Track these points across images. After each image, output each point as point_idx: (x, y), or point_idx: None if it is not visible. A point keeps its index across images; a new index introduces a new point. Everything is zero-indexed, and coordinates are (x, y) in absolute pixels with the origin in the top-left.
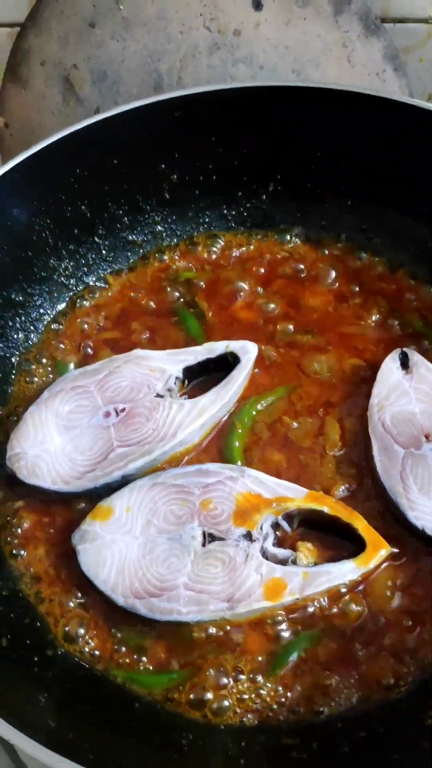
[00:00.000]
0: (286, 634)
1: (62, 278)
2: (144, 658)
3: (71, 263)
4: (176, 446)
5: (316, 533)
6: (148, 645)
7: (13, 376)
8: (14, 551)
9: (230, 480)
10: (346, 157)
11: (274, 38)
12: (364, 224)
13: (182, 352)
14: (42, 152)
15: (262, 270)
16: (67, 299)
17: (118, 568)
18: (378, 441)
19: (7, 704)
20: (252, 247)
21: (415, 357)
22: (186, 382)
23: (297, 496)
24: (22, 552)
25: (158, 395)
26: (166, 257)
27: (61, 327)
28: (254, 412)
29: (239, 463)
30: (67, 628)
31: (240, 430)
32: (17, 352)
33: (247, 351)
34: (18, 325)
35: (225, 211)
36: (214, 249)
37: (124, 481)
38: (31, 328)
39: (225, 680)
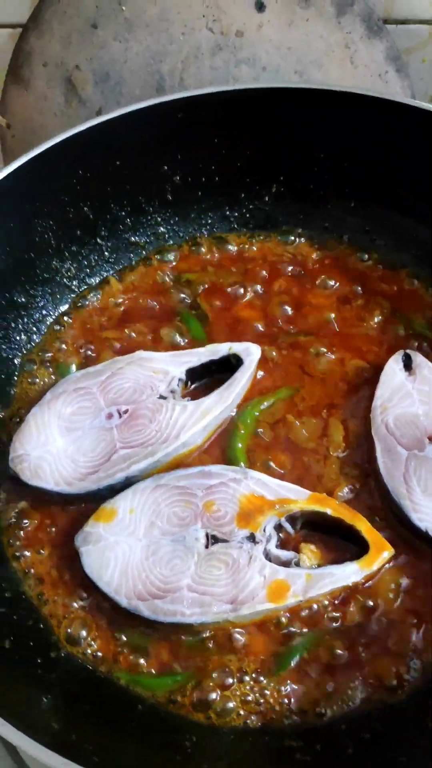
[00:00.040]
0: (289, 636)
1: (65, 279)
2: (147, 660)
3: (74, 265)
4: (179, 448)
5: (319, 535)
6: (152, 647)
7: (15, 378)
8: (17, 553)
9: (233, 482)
10: (348, 158)
11: (277, 39)
12: (366, 226)
13: (185, 354)
14: (44, 154)
15: (265, 271)
16: (70, 301)
17: (121, 569)
18: (381, 443)
19: (10, 706)
20: (254, 248)
21: (418, 359)
22: (189, 383)
23: (300, 497)
24: (25, 553)
25: (161, 397)
26: (168, 259)
27: (63, 328)
28: (257, 414)
29: (242, 464)
30: (70, 630)
31: (243, 432)
32: (20, 354)
33: (250, 353)
34: (20, 326)
35: (228, 213)
36: (217, 250)
37: (127, 483)
38: (34, 329)
39: (228, 682)
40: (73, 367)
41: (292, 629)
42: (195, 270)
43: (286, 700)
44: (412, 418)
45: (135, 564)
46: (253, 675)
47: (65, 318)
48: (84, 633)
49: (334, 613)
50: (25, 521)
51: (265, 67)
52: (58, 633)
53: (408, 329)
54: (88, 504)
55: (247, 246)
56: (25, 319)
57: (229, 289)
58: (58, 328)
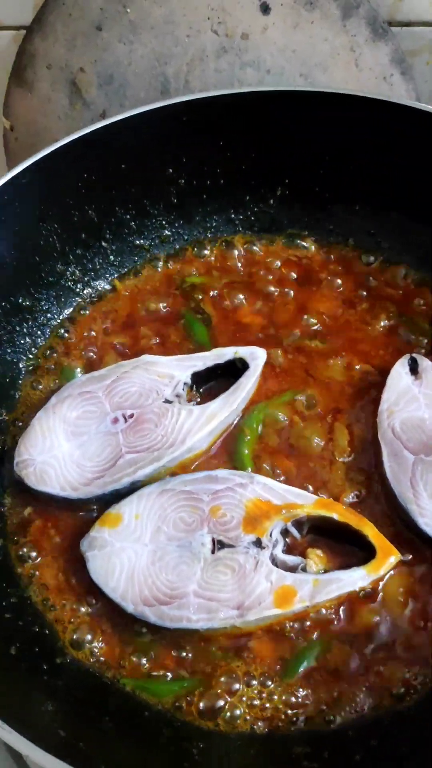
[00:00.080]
0: (296, 642)
1: (69, 283)
2: (153, 666)
3: (78, 268)
4: (185, 452)
5: (326, 540)
6: (158, 653)
7: (20, 381)
8: (22, 558)
9: (239, 486)
10: (353, 161)
11: (282, 42)
12: (372, 228)
13: (191, 358)
14: (49, 157)
15: (270, 275)
16: (74, 304)
17: (127, 575)
18: (388, 447)
19: (17, 713)
20: (259, 251)
21: (424, 362)
22: (194, 387)
23: (306, 502)
24: (31, 559)
25: (167, 401)
26: (173, 262)
27: (68, 332)
28: (263, 418)
29: (248, 469)
30: (75, 636)
31: (249, 437)
32: (24, 357)
33: (256, 357)
34: (25, 329)
35: (232, 216)
36: (222, 253)
37: (132, 488)
38: (38, 333)
39: (235, 688)
40: (78, 371)
41: (300, 635)
42: (200, 273)
43: (293, 707)
44: (419, 423)
45: (141, 569)
46: (261, 681)
47: (70, 322)
48: (90, 639)
49: (341, 619)
50: (31, 526)
51: (269, 70)
52: (64, 639)
53: (414, 333)
54: (93, 509)
55: (252, 249)
56: (30, 323)
57: (234, 293)
58: (63, 331)
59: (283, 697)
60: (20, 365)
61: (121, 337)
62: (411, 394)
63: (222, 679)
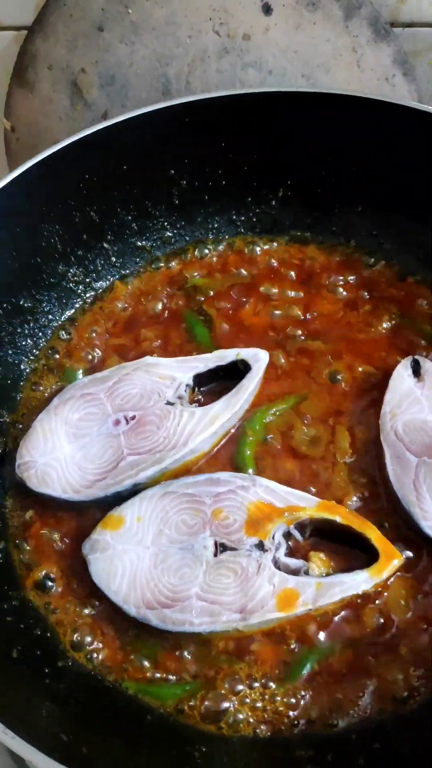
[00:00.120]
0: (299, 645)
1: (71, 284)
2: (155, 670)
3: (80, 269)
4: (187, 455)
5: (328, 543)
6: (160, 656)
7: (21, 383)
8: (24, 561)
9: (242, 489)
10: (355, 162)
11: (284, 43)
12: (374, 230)
13: (192, 360)
14: (50, 158)
15: (272, 276)
16: (76, 305)
17: (129, 578)
18: (390, 449)
19: (19, 718)
20: (261, 253)
21: (427, 365)
22: (196, 389)
23: (309, 505)
24: (32, 561)
25: (168, 403)
26: (175, 263)
27: (69, 333)
28: (265, 420)
29: (251, 471)
30: (77, 639)
31: (251, 439)
32: (25, 359)
33: (258, 359)
34: (26, 331)
35: (234, 217)
36: (224, 255)
37: (134, 490)
38: (40, 334)
39: (238, 691)
40: (80, 373)
41: (302, 638)
42: (202, 275)
43: (296, 710)
44: (422, 425)
45: (143, 572)
46: (263, 684)
47: (71, 323)
48: (92, 642)
49: (344, 622)
50: (32, 528)
51: (271, 71)
52: (66, 642)
53: (416, 334)
54: (95, 511)
55: (253, 250)
56: (31, 324)
57: (235, 294)
58: (64, 333)
59: (286, 701)
60: (22, 366)
61: (123, 339)
62: (413, 396)
63: (224, 682)
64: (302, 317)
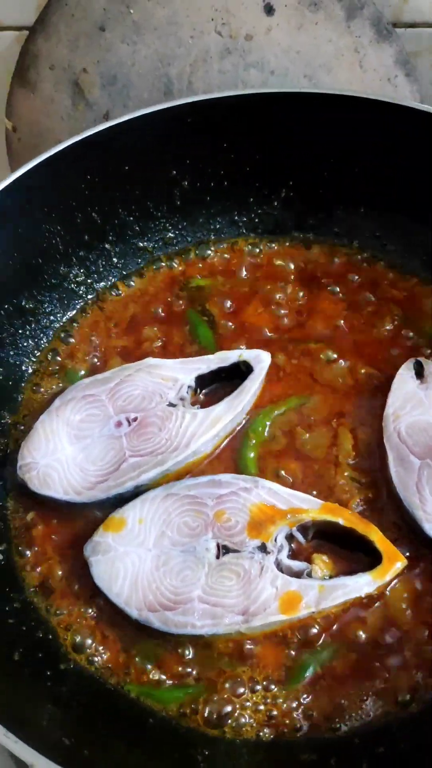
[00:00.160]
0: (302, 648)
1: (72, 285)
2: (158, 672)
3: (81, 270)
4: (189, 456)
5: (331, 545)
6: (162, 659)
7: (23, 384)
8: (25, 563)
9: (244, 491)
10: (358, 163)
11: (286, 43)
12: (377, 231)
13: (194, 361)
14: (52, 159)
15: (274, 277)
16: (78, 306)
17: (131, 580)
18: (393, 451)
19: (20, 721)
20: (263, 254)
21: (430, 366)
22: (198, 390)
23: (312, 507)
24: (34, 564)
25: (170, 404)
26: (177, 264)
27: (71, 334)
28: (268, 422)
29: (253, 473)
30: (79, 641)
31: (253, 440)
32: (27, 360)
33: (261, 360)
34: (28, 332)
35: (236, 218)
36: (226, 256)
37: (136, 492)
38: (41, 335)
39: (240, 694)
40: (81, 374)
41: (305, 641)
42: (204, 276)
43: (299, 713)
44: (425, 427)
45: (145, 575)
46: (266, 687)
47: (73, 324)
48: (94, 644)
49: (346, 625)
50: (33, 530)
51: (273, 71)
52: (68, 644)
53: (420, 336)
54: (97, 513)
55: (256, 251)
56: (33, 325)
57: (238, 296)
58: (66, 334)
59: (289, 704)
60: (23, 368)
61: (125, 340)
62: (417, 398)
63: (227, 685)
64: (305, 318)
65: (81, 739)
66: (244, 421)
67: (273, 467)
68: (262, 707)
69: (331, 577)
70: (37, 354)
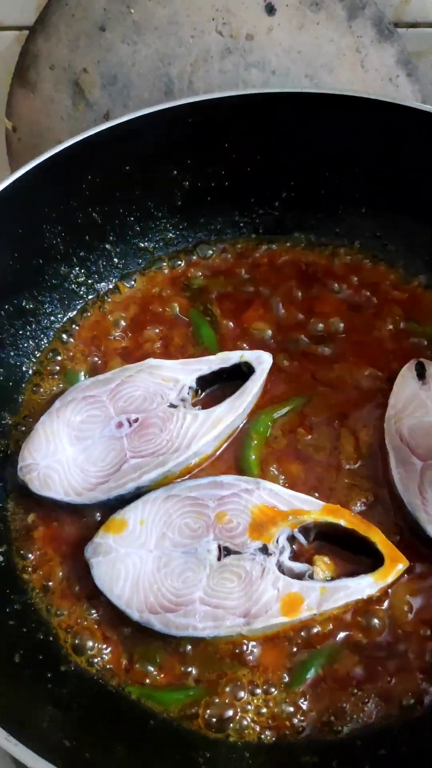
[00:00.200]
0: (303, 650)
1: (73, 286)
2: (159, 674)
3: (82, 270)
4: (190, 457)
5: (333, 547)
6: (163, 660)
7: (23, 385)
8: (26, 564)
9: (245, 492)
10: (359, 163)
11: (287, 43)
12: (378, 231)
13: (196, 362)
14: (53, 158)
15: (275, 278)
16: (78, 307)
17: (132, 582)
18: (395, 453)
19: (21, 723)
20: (264, 254)
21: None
22: (199, 391)
23: (313, 508)
24: (35, 565)
25: (171, 405)
26: (177, 264)
27: (71, 335)
28: (269, 423)
29: (255, 474)
30: (80, 643)
31: (255, 442)
32: (27, 360)
33: (262, 361)
34: (28, 332)
35: (237, 218)
36: (227, 256)
37: (137, 493)
38: (42, 336)
39: (241, 696)
40: (82, 375)
41: (306, 643)
42: (205, 276)
43: (300, 716)
44: (427, 428)
45: (146, 576)
46: (268, 689)
47: (73, 325)
48: (95, 646)
49: (348, 627)
50: (34, 532)
51: (275, 71)
52: (68, 646)
53: (421, 337)
54: (98, 514)
55: (257, 252)
56: (33, 326)
57: (239, 296)
58: (67, 334)
59: (290, 706)
60: (23, 368)
61: (125, 341)
62: (418, 399)
63: (228, 687)
64: (306, 319)
65: (82, 741)
66: (245, 422)
67: (274, 468)
68: (264, 710)
69: (332, 578)
70: (38, 355)
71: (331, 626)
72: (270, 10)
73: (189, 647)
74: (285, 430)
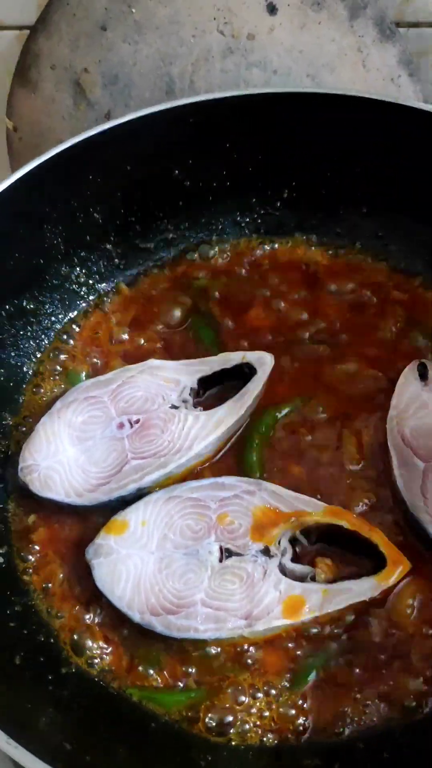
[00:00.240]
0: (305, 652)
1: (74, 286)
2: (160, 676)
3: (83, 271)
4: (192, 459)
5: (335, 549)
6: (165, 662)
7: (24, 386)
8: (27, 566)
9: (247, 494)
10: (360, 163)
11: (289, 42)
12: (380, 231)
13: (197, 363)
14: (53, 159)
15: (277, 278)
16: (79, 307)
17: (133, 583)
18: (398, 454)
19: (21, 726)
20: (266, 254)
21: None
22: (201, 392)
23: (315, 510)
24: (35, 567)
25: (173, 406)
26: (179, 265)
27: (72, 336)
28: (271, 424)
29: (257, 475)
30: (81, 645)
31: (257, 443)
32: (28, 361)
33: (264, 362)
34: (29, 333)
35: (239, 218)
36: (228, 256)
37: (138, 494)
38: (42, 336)
39: (244, 699)
40: (83, 375)
41: (308, 645)
42: (206, 276)
43: (302, 718)
44: (429, 429)
45: (147, 577)
46: (269, 692)
47: (74, 325)
48: (96, 648)
49: (350, 629)
50: (35, 533)
51: (276, 71)
52: (69, 648)
53: (424, 337)
54: (99, 516)
55: (258, 252)
56: (34, 326)
57: (240, 297)
58: (67, 335)
59: (292, 709)
60: (24, 369)
61: (127, 341)
62: (420, 400)
63: (229, 690)
64: (308, 320)
65: (82, 744)
66: (247, 423)
67: (276, 470)
68: (265, 712)
69: (334, 580)
70: (39, 355)
71: (332, 628)
72: (271, 9)
73: (190, 649)
74: (287, 431)
